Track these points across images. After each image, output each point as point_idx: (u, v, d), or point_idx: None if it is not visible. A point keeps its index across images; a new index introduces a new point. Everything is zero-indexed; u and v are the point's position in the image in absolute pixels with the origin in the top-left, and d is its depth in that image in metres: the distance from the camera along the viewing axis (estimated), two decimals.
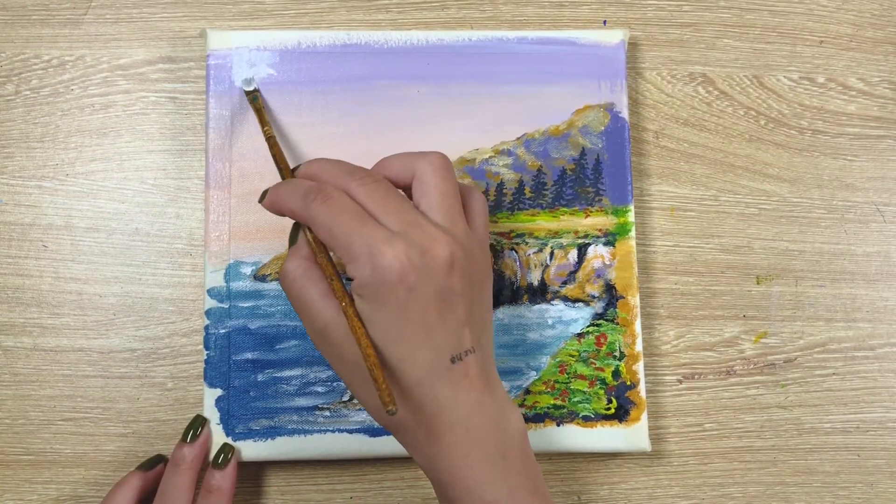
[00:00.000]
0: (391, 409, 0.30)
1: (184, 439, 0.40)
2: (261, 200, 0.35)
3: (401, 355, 0.31)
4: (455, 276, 0.32)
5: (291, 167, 0.37)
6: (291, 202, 0.33)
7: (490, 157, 0.44)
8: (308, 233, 0.34)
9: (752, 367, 0.45)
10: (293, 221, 0.35)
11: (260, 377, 0.41)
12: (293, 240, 0.35)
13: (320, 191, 0.32)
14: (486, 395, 0.32)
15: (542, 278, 0.43)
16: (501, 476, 0.32)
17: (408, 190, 0.34)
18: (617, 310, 0.43)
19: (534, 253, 0.43)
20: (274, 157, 0.38)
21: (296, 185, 0.34)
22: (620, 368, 0.43)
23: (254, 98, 0.42)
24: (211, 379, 0.41)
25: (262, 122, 0.40)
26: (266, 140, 0.39)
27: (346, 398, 0.42)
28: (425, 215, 0.33)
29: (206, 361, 0.41)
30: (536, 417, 0.42)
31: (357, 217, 0.31)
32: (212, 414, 0.41)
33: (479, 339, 0.33)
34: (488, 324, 0.35)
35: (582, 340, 0.43)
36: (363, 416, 0.41)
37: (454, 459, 0.32)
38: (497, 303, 0.43)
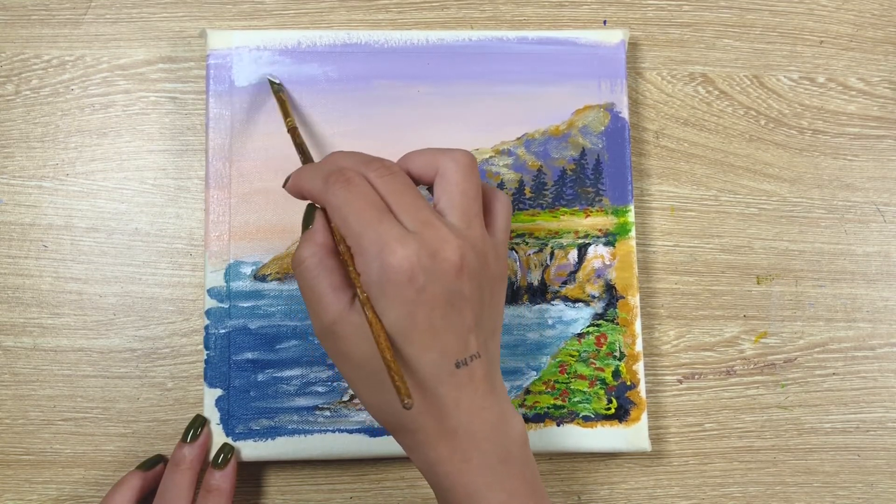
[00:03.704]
0: (408, 403, 0.29)
1: (184, 439, 0.40)
2: (284, 185, 0.34)
3: (405, 356, 0.31)
4: (464, 279, 0.31)
5: (315, 161, 0.36)
6: (312, 183, 0.33)
7: (490, 157, 0.44)
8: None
9: (752, 367, 0.45)
10: (307, 205, 0.34)
11: (260, 377, 0.41)
12: (307, 222, 0.34)
13: (342, 173, 0.31)
14: (489, 399, 0.32)
15: (542, 278, 0.43)
16: (501, 481, 0.32)
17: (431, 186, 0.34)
18: (617, 310, 0.43)
19: (534, 253, 0.43)
20: (297, 146, 0.37)
21: (319, 167, 0.33)
22: (620, 368, 0.43)
23: (278, 89, 0.42)
24: (211, 379, 0.41)
25: (285, 113, 0.40)
26: (289, 131, 0.38)
27: (346, 398, 0.42)
28: (441, 215, 0.32)
29: (206, 361, 0.41)
30: (536, 417, 0.42)
31: (374, 208, 0.31)
32: (212, 414, 0.41)
33: (486, 344, 0.33)
34: (498, 329, 0.34)
35: (582, 340, 0.43)
36: (363, 416, 0.41)
37: (455, 464, 0.31)
38: None
